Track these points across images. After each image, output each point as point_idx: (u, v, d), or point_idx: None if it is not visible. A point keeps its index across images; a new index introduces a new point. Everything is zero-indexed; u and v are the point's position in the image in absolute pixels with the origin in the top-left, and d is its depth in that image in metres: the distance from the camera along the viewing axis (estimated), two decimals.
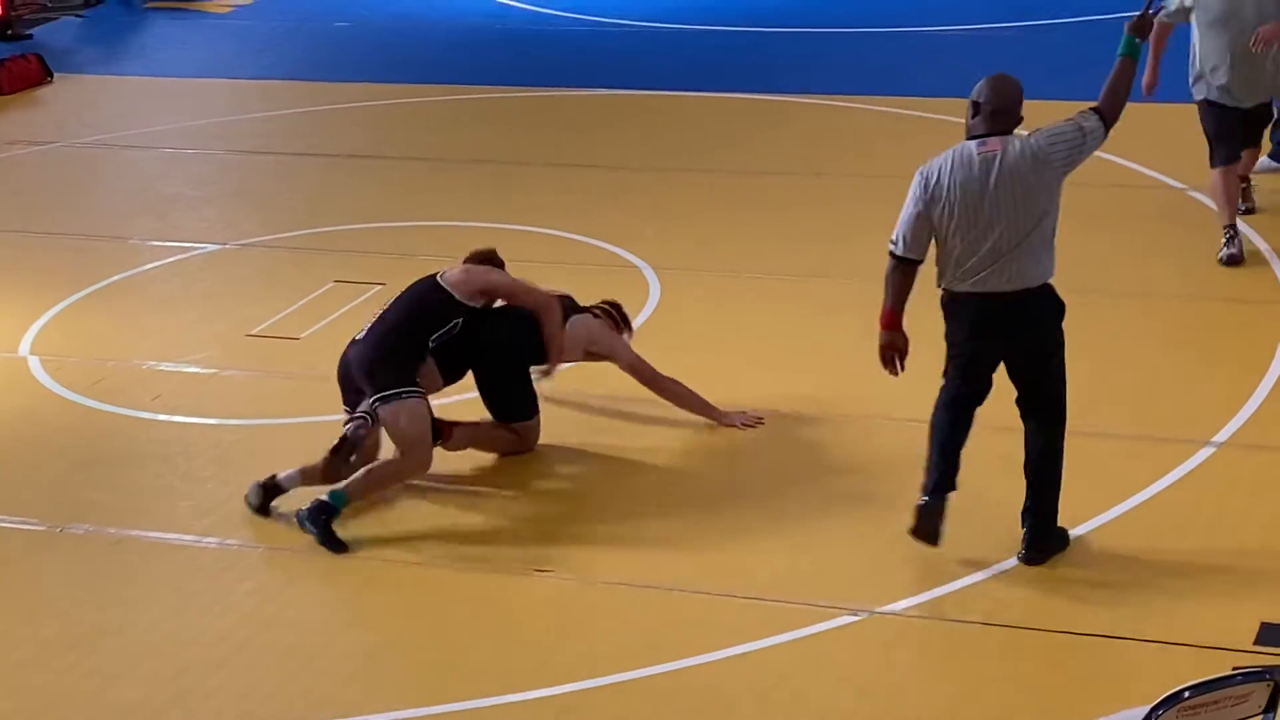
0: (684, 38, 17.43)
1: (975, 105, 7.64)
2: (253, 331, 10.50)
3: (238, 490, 8.61)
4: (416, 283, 8.67)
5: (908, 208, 7.49)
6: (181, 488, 8.74)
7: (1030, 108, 13.84)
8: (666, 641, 7.13)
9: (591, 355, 8.93)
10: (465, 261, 8.78)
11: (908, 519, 7.51)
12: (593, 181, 12.96)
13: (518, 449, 8.75)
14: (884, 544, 7.77)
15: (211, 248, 12.09)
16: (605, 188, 12.80)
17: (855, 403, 9.07)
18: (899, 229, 7.52)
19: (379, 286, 10.95)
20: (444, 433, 8.53)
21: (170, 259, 11.92)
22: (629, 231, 11.68)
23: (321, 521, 7.99)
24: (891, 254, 7.57)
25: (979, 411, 9.00)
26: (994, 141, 7.36)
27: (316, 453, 8.68)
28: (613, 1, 18.60)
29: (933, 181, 7.43)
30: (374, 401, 8.20)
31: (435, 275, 8.60)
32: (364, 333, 8.49)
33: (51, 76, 16.92)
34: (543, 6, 18.86)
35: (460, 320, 8.46)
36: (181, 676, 7.12)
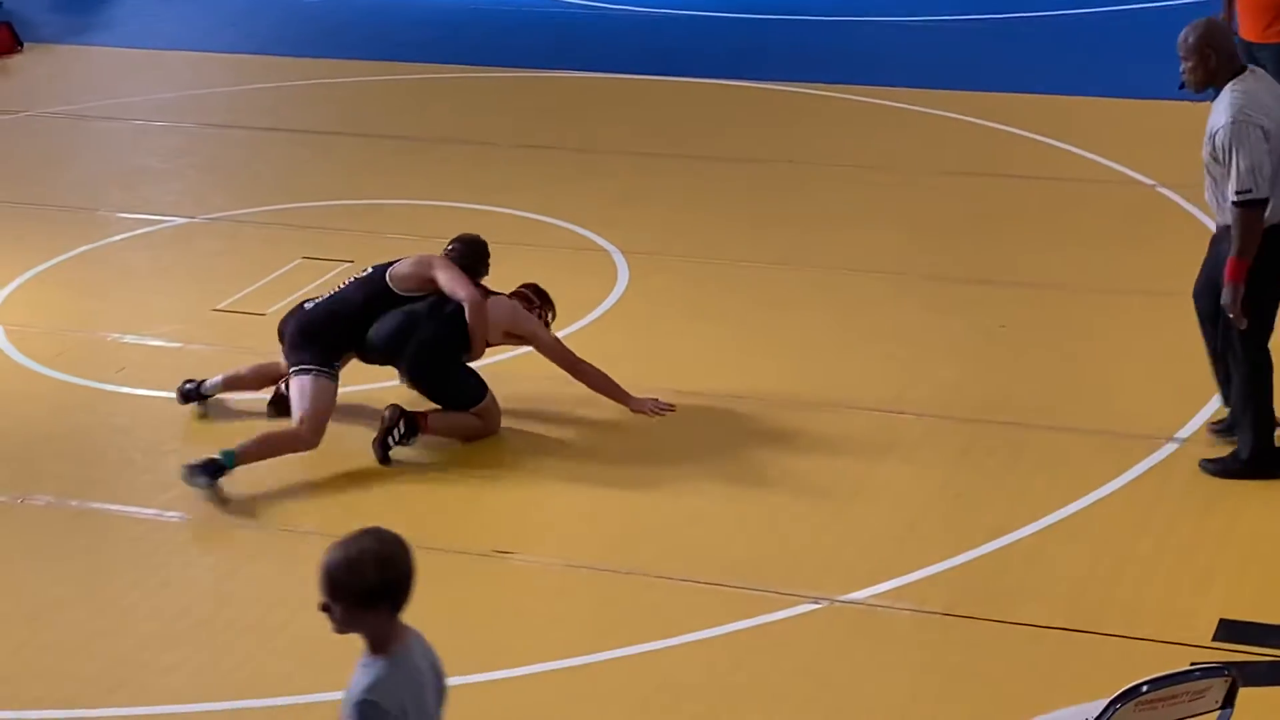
0: (659, 22, 17.40)
1: (1218, 46, 7.68)
2: (219, 306, 10.45)
3: None
4: (374, 269, 8.85)
5: (1255, 152, 7.51)
6: (144, 461, 8.70)
7: (1008, 100, 13.89)
8: (625, 625, 7.12)
9: (512, 338, 8.91)
10: (452, 242, 8.96)
11: (869, 507, 7.52)
12: (563, 164, 12.93)
13: (482, 433, 8.75)
14: (846, 532, 7.78)
15: (179, 221, 12.03)
16: (575, 170, 12.78)
17: (820, 391, 9.08)
18: (1249, 176, 7.54)
19: (347, 263, 10.91)
20: (420, 423, 8.56)
21: (138, 231, 11.86)
22: (598, 215, 11.66)
23: (210, 474, 8.25)
24: (1251, 201, 7.57)
25: (947, 403, 9.04)
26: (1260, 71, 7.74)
27: (280, 427, 8.66)
28: None
29: (1266, 123, 7.52)
30: (291, 370, 8.59)
31: (388, 267, 8.77)
32: (315, 304, 8.80)
33: (21, 46, 16.82)
34: None
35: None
36: (140, 651, 7.09)
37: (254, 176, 13.00)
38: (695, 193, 12.20)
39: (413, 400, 8.79)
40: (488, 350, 8.79)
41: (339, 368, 8.69)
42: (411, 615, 7.32)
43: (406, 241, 11.33)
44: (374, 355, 8.78)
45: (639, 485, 8.33)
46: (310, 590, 7.48)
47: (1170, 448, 8.39)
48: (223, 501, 8.23)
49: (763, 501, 8.13)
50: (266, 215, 12.00)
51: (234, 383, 9.12)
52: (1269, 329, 7.95)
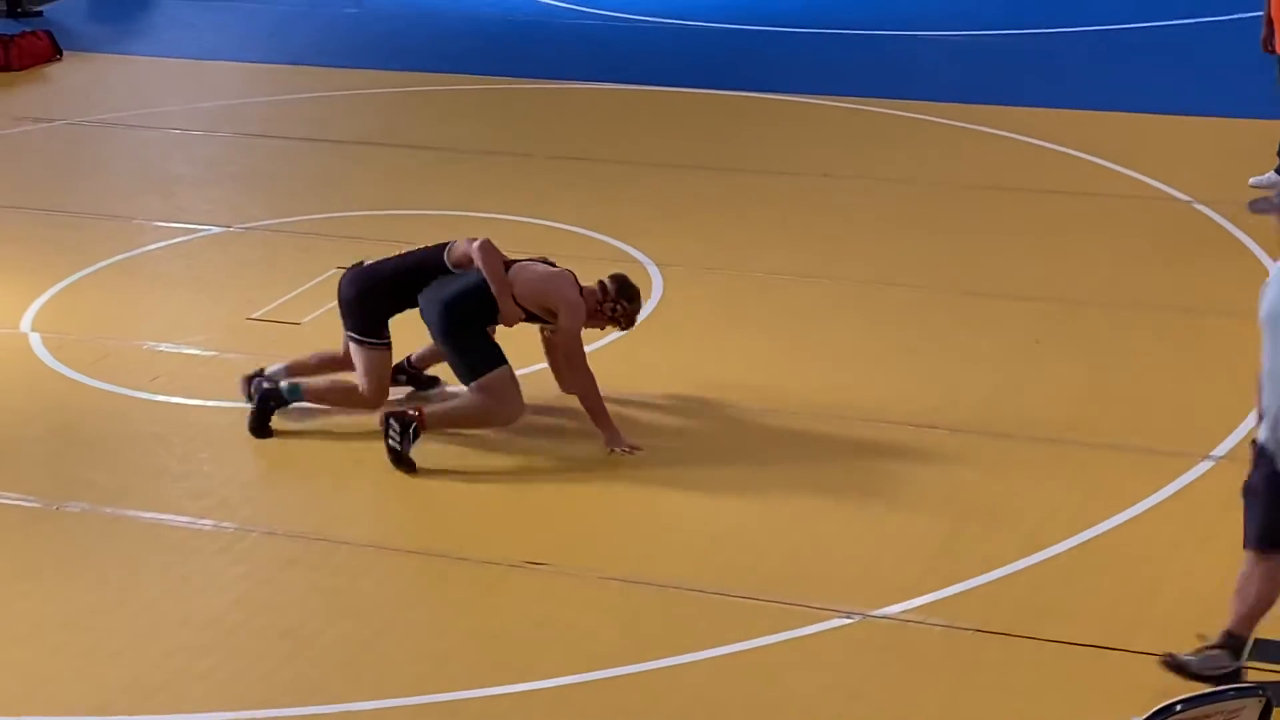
0: (695, 34, 17.42)
1: None
2: (254, 315, 10.49)
3: (233, 473, 8.63)
4: (438, 244, 8.99)
5: None
6: (177, 469, 8.74)
7: (1043, 115, 13.85)
8: (658, 638, 7.12)
9: (547, 312, 8.76)
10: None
11: (902, 522, 7.51)
12: (599, 176, 12.95)
13: (490, 416, 8.68)
14: (879, 547, 7.77)
15: (215, 230, 12.08)
16: (611, 182, 12.79)
17: (854, 404, 9.07)
18: None
19: None
20: (416, 421, 8.56)
21: (174, 240, 11.91)
22: (634, 226, 11.67)
23: (266, 401, 8.84)
24: None
25: (981, 418, 9.02)
26: None
27: (310, 439, 8.71)
28: None
29: None
30: (346, 334, 8.94)
31: (452, 242, 8.93)
32: (374, 264, 9.01)
33: (61, 54, 16.91)
34: (555, 0, 18.87)
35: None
36: (173, 658, 7.12)
37: (290, 186, 13.04)
38: (730, 205, 12.21)
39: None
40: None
41: (387, 332, 8.86)
42: (442, 625, 7.36)
43: None
44: (423, 315, 8.84)
45: (672, 497, 8.33)
46: (344, 598, 7.53)
47: (1205, 465, 8.36)
48: (256, 510, 8.26)
49: (795, 515, 8.12)
50: (302, 225, 12.04)
51: (298, 369, 9.18)
52: None
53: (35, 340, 10.21)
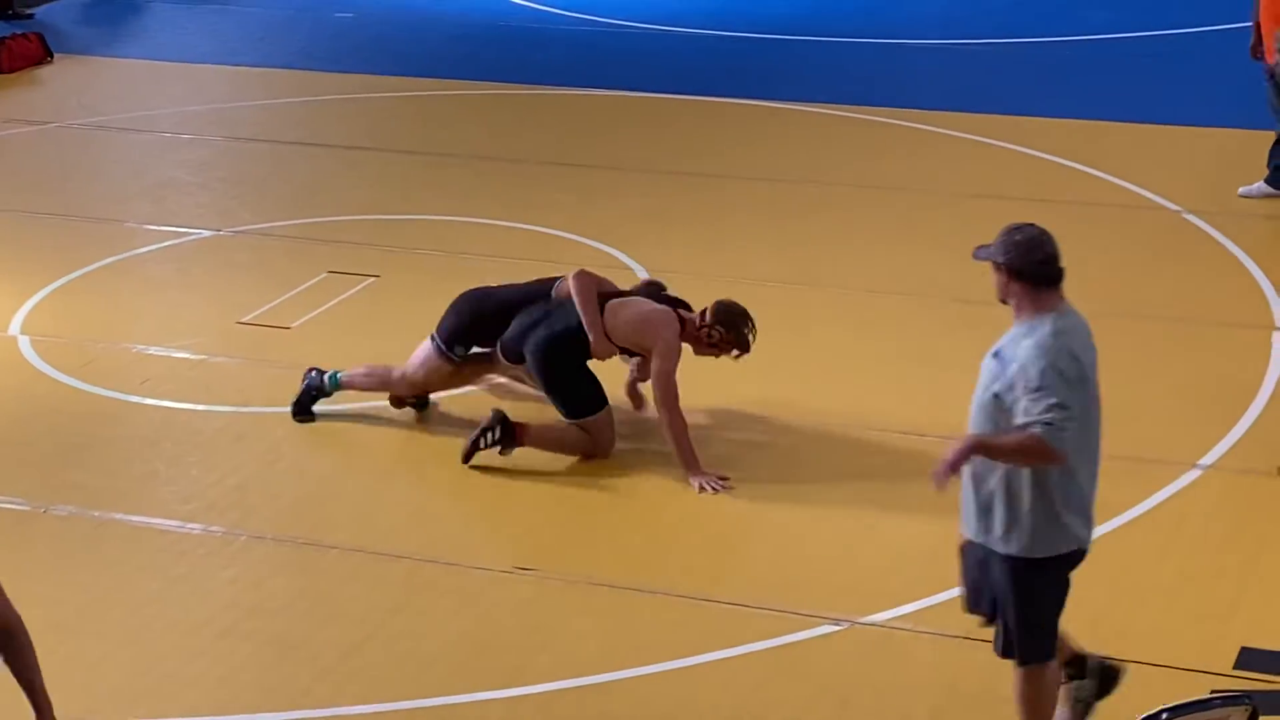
0: (687, 41, 17.41)
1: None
2: (244, 319, 10.48)
3: (222, 477, 8.62)
4: (547, 279, 9.04)
5: None
6: (166, 473, 8.73)
7: (1034, 124, 13.86)
8: (646, 644, 7.12)
9: (640, 347, 8.70)
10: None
11: (892, 529, 7.51)
12: (590, 181, 12.95)
13: (590, 451, 8.64)
14: (868, 555, 7.78)
15: (205, 234, 12.07)
16: (602, 188, 12.79)
17: (844, 412, 9.07)
18: None
19: (373, 278, 10.95)
20: (518, 433, 8.54)
21: (164, 244, 11.90)
22: (625, 232, 11.67)
23: (310, 392, 9.11)
24: None
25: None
26: None
27: (299, 445, 8.70)
28: (617, 3, 18.60)
29: None
30: (432, 335, 9.02)
31: (561, 276, 8.93)
32: (491, 287, 9.14)
33: (52, 56, 16.89)
34: (547, 5, 18.85)
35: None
36: (161, 662, 7.11)
37: (280, 190, 13.04)
38: (721, 212, 12.21)
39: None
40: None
41: (460, 354, 8.90)
42: (431, 630, 7.36)
43: (434, 257, 11.37)
44: (507, 349, 8.77)
45: (661, 504, 8.34)
46: (332, 603, 7.52)
47: (1194, 474, 8.37)
48: (244, 514, 8.26)
49: (784, 523, 8.13)
50: (293, 229, 12.03)
51: (350, 383, 9.16)
52: None
53: (24, 343, 10.20)
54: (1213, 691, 6.35)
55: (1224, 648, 6.95)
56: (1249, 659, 6.87)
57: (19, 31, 17.15)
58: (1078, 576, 7.52)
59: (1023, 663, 6.01)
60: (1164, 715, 4.96)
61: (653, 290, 9.04)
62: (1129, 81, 15.24)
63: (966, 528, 5.97)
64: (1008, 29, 17.11)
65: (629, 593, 7.52)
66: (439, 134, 14.36)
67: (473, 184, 12.93)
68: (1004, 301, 5.97)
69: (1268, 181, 11.96)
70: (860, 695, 6.76)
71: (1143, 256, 11.17)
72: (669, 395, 8.45)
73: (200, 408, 9.37)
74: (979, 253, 6.02)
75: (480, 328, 8.91)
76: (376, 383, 9.10)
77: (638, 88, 15.46)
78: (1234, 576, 7.50)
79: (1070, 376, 5.67)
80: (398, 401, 9.16)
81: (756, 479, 8.50)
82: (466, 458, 8.53)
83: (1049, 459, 5.64)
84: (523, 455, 8.72)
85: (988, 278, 11.30)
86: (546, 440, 8.64)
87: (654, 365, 8.53)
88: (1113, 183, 12.41)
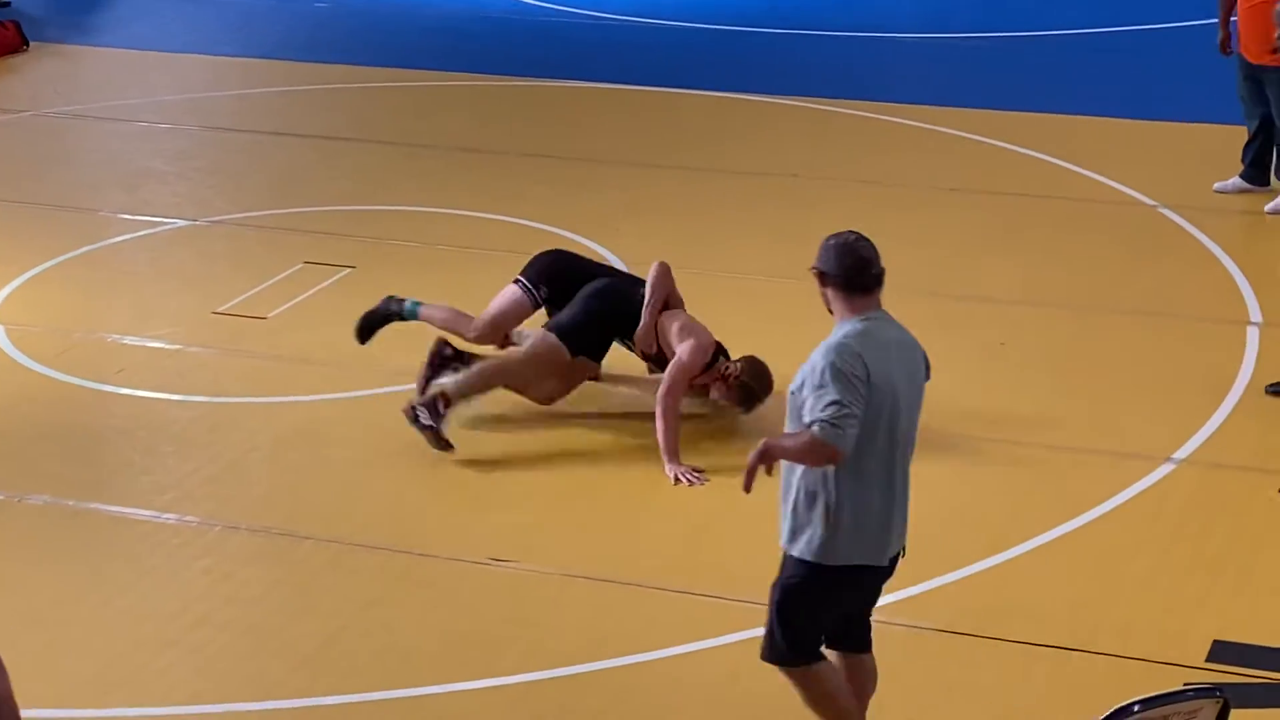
0: (668, 34, 17.42)
1: None
2: (220, 309, 10.46)
3: (197, 467, 8.60)
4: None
5: None
6: (142, 462, 8.71)
7: (1012, 119, 13.88)
8: (622, 636, 7.13)
9: (669, 347, 8.80)
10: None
11: None
12: (569, 173, 12.94)
13: (519, 374, 8.80)
14: None
15: (181, 223, 12.04)
16: (581, 180, 12.78)
17: None
18: None
19: (349, 269, 10.93)
20: (465, 356, 8.92)
21: (140, 233, 11.87)
22: (603, 225, 11.67)
23: (388, 307, 9.24)
24: None
25: (946, 420, 9.05)
26: None
27: (280, 430, 8.68)
28: None
29: None
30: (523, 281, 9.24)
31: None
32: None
33: (28, 45, 16.83)
34: None
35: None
36: (135, 653, 7.10)
37: (257, 180, 13.01)
38: (699, 205, 12.21)
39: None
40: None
41: (544, 295, 9.05)
42: (407, 621, 7.35)
43: (410, 248, 11.36)
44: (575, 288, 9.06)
45: (638, 497, 8.34)
46: (307, 594, 7.51)
47: (1167, 468, 8.40)
48: (220, 504, 8.24)
49: (761, 515, 8.11)
50: (269, 219, 12.01)
51: (430, 317, 9.23)
52: None
53: None
54: (1185, 684, 6.37)
55: (1197, 641, 6.97)
56: (1221, 652, 6.89)
57: None
58: (1052, 567, 7.58)
59: (776, 663, 5.98)
60: (1136, 707, 4.97)
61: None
62: (1106, 77, 15.28)
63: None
64: (987, 24, 17.14)
65: (605, 584, 7.52)
66: (417, 125, 14.34)
67: (451, 175, 12.92)
68: (830, 310, 5.90)
69: (1243, 177, 12.00)
70: None
71: (1119, 251, 11.20)
72: (677, 387, 8.57)
73: (176, 397, 9.36)
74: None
75: (566, 278, 9.11)
76: (452, 321, 9.16)
77: (618, 80, 15.46)
78: (1207, 570, 7.53)
79: (851, 376, 5.57)
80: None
81: (733, 472, 8.49)
82: (445, 447, 8.53)
83: (829, 457, 5.59)
84: (499, 450, 8.71)
85: (965, 273, 11.37)
86: (473, 381, 8.80)
87: (681, 356, 8.62)
88: (1089, 177, 12.44)
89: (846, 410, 5.55)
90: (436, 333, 9.14)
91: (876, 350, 5.70)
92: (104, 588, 7.60)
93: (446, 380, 8.68)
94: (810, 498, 5.78)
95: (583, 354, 8.88)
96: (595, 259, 9.90)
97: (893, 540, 5.88)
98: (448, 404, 8.54)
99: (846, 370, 5.60)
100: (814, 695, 6.01)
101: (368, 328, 9.29)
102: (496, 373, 8.79)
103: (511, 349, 9.03)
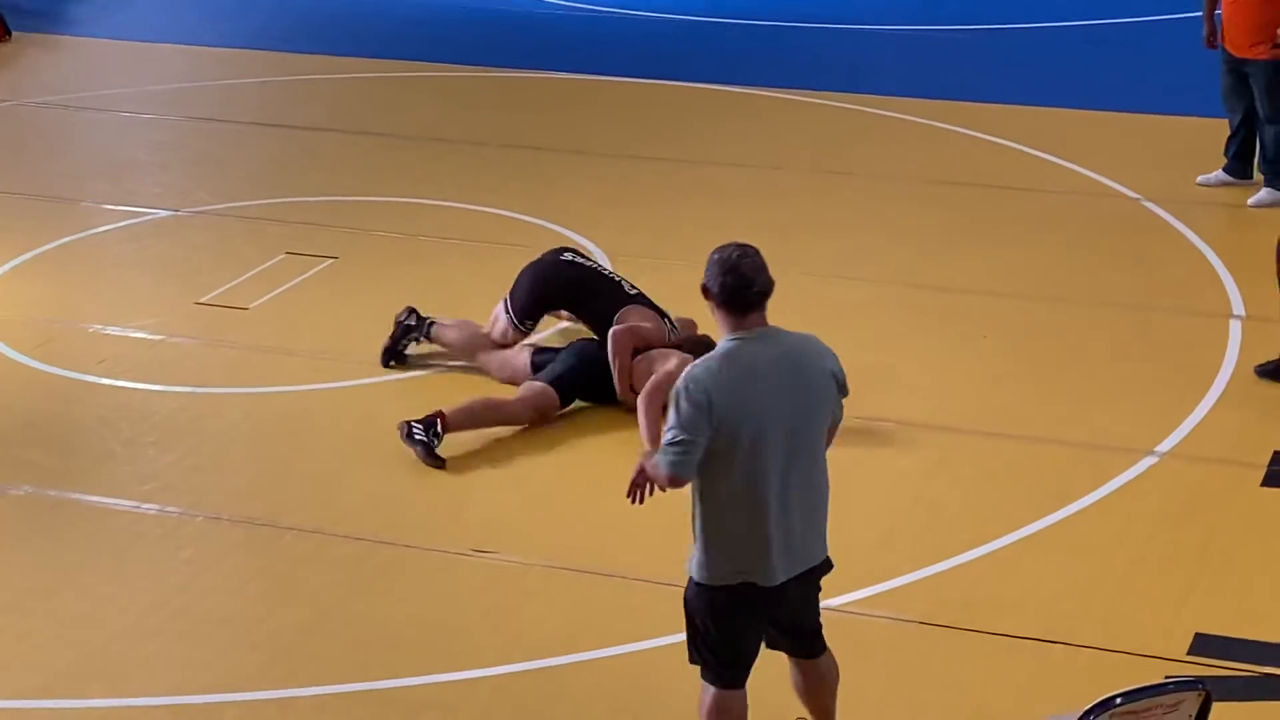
0: (648, 25, 17.41)
1: None
2: (202, 300, 10.44)
3: (179, 458, 8.59)
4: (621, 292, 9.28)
5: None
6: (123, 453, 8.69)
7: (994, 111, 13.86)
8: (604, 627, 7.13)
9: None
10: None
11: (847, 514, 7.50)
12: (550, 165, 12.93)
13: (515, 417, 8.82)
14: None
15: (164, 214, 12.01)
16: (563, 171, 12.77)
17: None
18: None
19: (331, 260, 10.92)
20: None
21: (122, 223, 11.84)
22: (585, 216, 11.66)
23: (408, 328, 9.43)
24: None
25: (926, 412, 9.03)
26: None
27: (262, 421, 8.66)
28: None
29: None
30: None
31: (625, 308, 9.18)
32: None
33: (10, 34, 16.78)
34: None
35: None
36: (115, 643, 7.08)
37: (240, 171, 12.98)
38: (681, 196, 12.21)
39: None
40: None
41: (528, 325, 9.30)
42: (388, 612, 7.34)
43: (392, 239, 11.34)
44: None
45: (620, 488, 8.31)
46: (287, 585, 7.50)
47: (1149, 461, 8.41)
48: (201, 495, 8.23)
49: None
50: (252, 210, 11.98)
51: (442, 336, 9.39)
52: None
53: None
54: (1167, 677, 6.39)
55: (1178, 634, 6.98)
56: (1203, 645, 6.91)
57: None
58: (1032, 560, 7.58)
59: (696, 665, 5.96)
60: (1118, 700, 4.97)
61: (699, 341, 9.01)
62: (1089, 70, 15.29)
63: None
64: (968, 15, 17.15)
65: (587, 576, 7.52)
66: (399, 116, 14.31)
67: (432, 166, 12.90)
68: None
69: (1226, 170, 12.02)
70: None
71: (1102, 244, 11.21)
72: (659, 389, 8.50)
73: (158, 388, 9.33)
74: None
75: (552, 305, 9.32)
76: (464, 344, 9.37)
77: (599, 71, 15.44)
78: (1188, 563, 7.54)
79: (692, 404, 5.55)
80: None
81: None
82: (437, 464, 8.50)
83: (670, 481, 5.68)
84: (477, 439, 8.70)
85: (946, 265, 11.38)
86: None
87: (668, 367, 8.64)
88: (1072, 170, 12.45)
89: (682, 438, 5.58)
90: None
91: (735, 373, 5.60)
92: (85, 578, 7.58)
93: (449, 410, 8.65)
94: (691, 516, 5.82)
95: (574, 399, 9.00)
96: (572, 247, 9.82)
97: (783, 559, 5.70)
98: (445, 428, 8.51)
99: (690, 398, 5.57)
100: (708, 712, 5.92)
101: (392, 350, 9.39)
102: (492, 415, 8.83)
103: (506, 397, 8.94)
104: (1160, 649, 6.87)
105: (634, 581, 7.44)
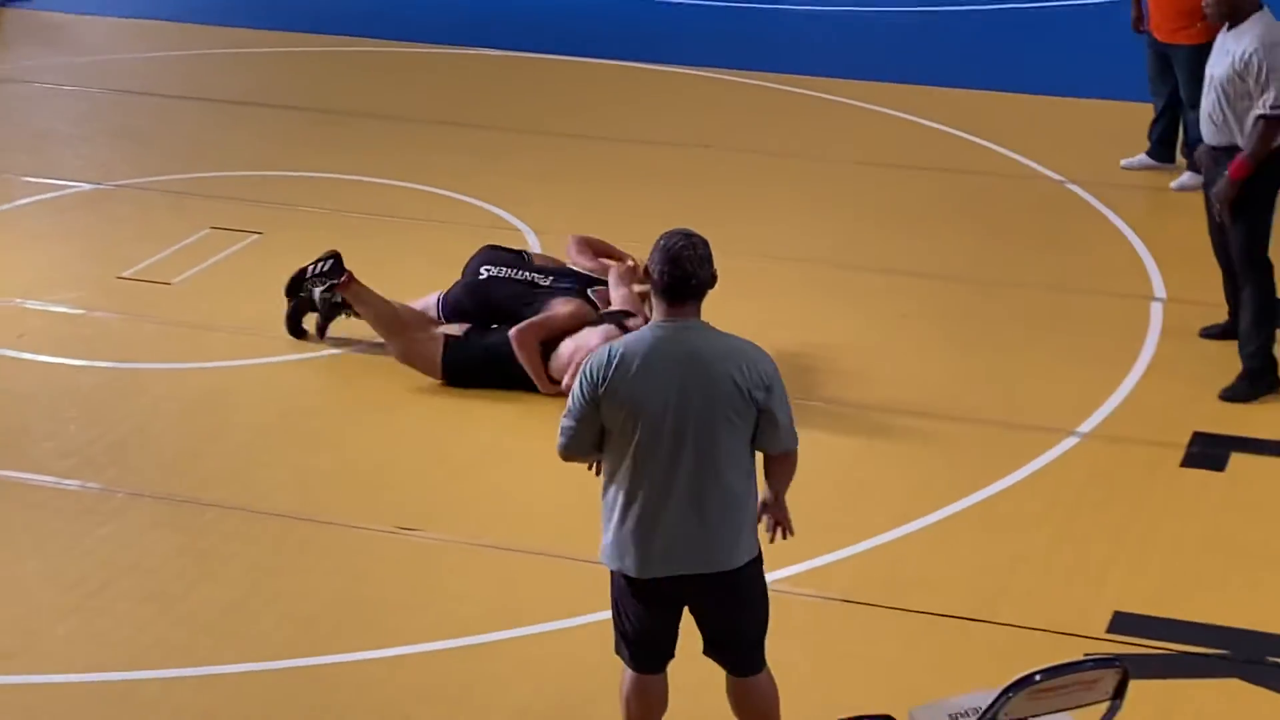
0: (579, 3, 17.36)
1: None
2: (124, 274, 10.35)
3: (101, 433, 8.52)
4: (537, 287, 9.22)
5: None
6: (43, 428, 8.61)
7: (921, 93, 13.89)
8: (530, 605, 7.13)
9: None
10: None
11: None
12: (479, 142, 12.89)
13: (396, 349, 8.91)
14: None
15: (86, 187, 11.90)
16: (491, 149, 12.73)
17: None
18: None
19: (256, 235, 10.85)
20: (346, 278, 9.08)
21: (43, 196, 11.73)
22: (512, 193, 11.63)
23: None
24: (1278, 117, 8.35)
25: (850, 392, 9.05)
26: None
27: (185, 397, 8.60)
28: None
29: None
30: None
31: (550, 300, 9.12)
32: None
33: None
34: None
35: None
36: (35, 619, 7.03)
37: (163, 145, 12.87)
38: (609, 174, 12.20)
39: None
40: None
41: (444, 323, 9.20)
42: (311, 589, 7.31)
43: (317, 214, 11.28)
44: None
45: (546, 464, 8.31)
46: (210, 561, 7.46)
47: (1071, 441, 8.48)
48: (123, 471, 8.17)
49: None
50: (175, 184, 11.89)
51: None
52: (1264, 239, 8.69)
53: None
54: (1086, 655, 6.44)
55: (1097, 612, 7.05)
56: (1122, 623, 6.97)
57: None
58: (955, 539, 7.63)
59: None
60: (1037, 677, 5.02)
61: (616, 318, 9.00)
62: (1017, 52, 15.38)
63: None
64: None
65: (514, 554, 7.52)
66: (326, 91, 14.23)
67: (360, 142, 12.84)
68: None
69: (1149, 154, 12.11)
70: None
71: (1025, 226, 11.27)
72: (541, 327, 8.80)
73: (79, 363, 9.26)
74: None
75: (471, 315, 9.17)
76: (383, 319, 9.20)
77: (529, 49, 15.40)
78: (1108, 543, 7.61)
79: (585, 383, 5.56)
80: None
81: None
82: (290, 289, 8.89)
83: (560, 455, 5.78)
84: (406, 418, 8.68)
85: (871, 246, 11.41)
86: (367, 302, 9.02)
87: (554, 315, 8.85)
88: (996, 151, 12.52)
89: (568, 416, 5.64)
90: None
91: (628, 361, 5.53)
92: (3, 554, 7.51)
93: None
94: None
95: (463, 377, 8.95)
96: (492, 248, 9.58)
97: (658, 555, 5.62)
98: (345, 288, 8.95)
99: (581, 378, 5.59)
100: (623, 690, 5.95)
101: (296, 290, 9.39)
102: (385, 310, 9.02)
103: (411, 330, 9.01)
104: (1080, 627, 6.93)
105: (556, 559, 7.44)
